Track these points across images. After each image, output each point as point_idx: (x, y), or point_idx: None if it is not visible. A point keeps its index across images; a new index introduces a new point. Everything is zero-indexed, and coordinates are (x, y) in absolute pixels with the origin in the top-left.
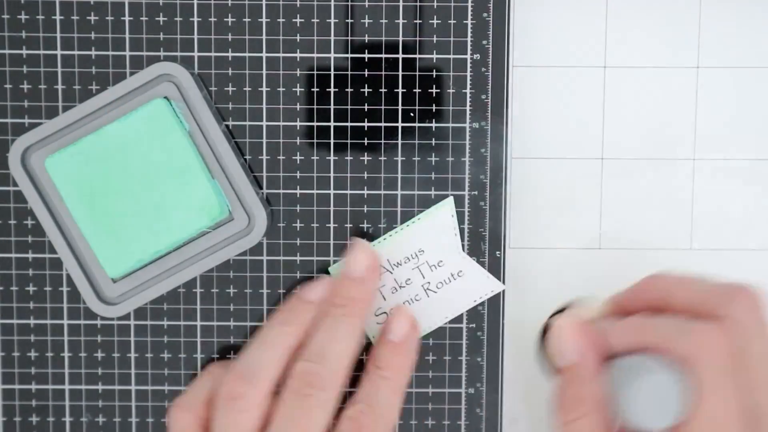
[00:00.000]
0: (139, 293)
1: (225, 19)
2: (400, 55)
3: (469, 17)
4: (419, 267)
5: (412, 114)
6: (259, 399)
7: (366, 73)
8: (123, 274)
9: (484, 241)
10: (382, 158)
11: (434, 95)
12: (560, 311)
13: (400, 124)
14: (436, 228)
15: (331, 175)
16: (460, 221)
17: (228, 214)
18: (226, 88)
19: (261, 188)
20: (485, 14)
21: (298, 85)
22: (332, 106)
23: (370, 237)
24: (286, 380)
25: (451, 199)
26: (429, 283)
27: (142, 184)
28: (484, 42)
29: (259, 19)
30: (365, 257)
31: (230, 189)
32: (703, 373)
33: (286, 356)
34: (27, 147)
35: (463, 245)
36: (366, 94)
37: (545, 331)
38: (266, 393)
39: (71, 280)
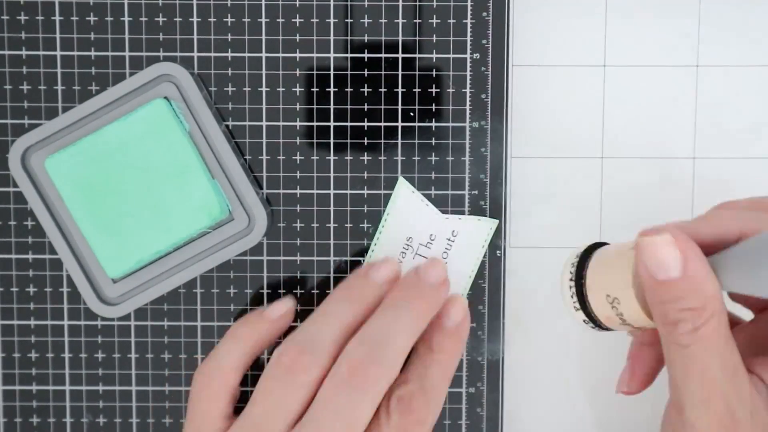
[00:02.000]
0: (139, 293)
1: (224, 20)
2: (400, 55)
3: (469, 16)
4: (418, 252)
5: (411, 113)
6: (320, 375)
7: (365, 72)
8: (123, 274)
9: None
10: (382, 158)
11: (434, 95)
12: (590, 251)
13: (399, 124)
14: (407, 211)
15: (331, 174)
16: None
17: (228, 214)
18: (225, 89)
19: (261, 188)
20: (485, 13)
21: (297, 85)
22: (332, 106)
23: (359, 248)
24: (337, 363)
25: (401, 179)
26: None
27: (142, 185)
28: (484, 41)
29: (259, 19)
30: (441, 270)
31: (230, 189)
32: None
33: (346, 335)
34: (27, 147)
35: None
36: (366, 94)
37: (579, 276)
38: (327, 369)
39: (71, 281)
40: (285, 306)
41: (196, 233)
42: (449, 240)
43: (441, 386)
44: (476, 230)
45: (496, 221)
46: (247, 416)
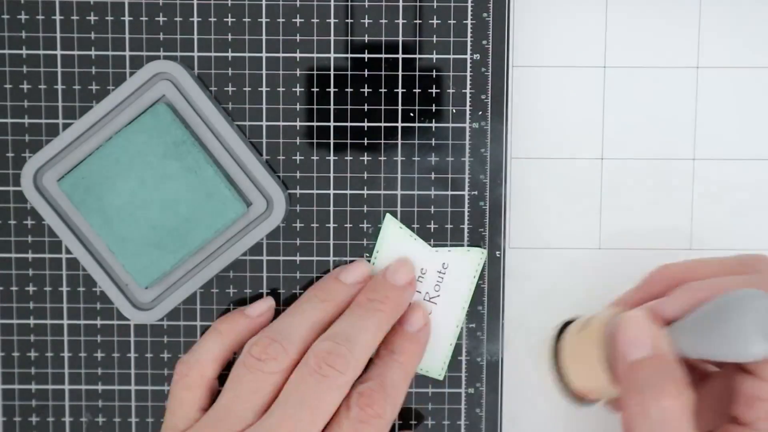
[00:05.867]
0: (170, 295)
1: (225, 19)
2: (400, 55)
3: (469, 17)
4: None
5: (411, 114)
6: (288, 364)
7: (366, 73)
8: (153, 281)
9: (484, 242)
10: (382, 158)
11: (434, 95)
12: (568, 323)
13: (399, 124)
14: (396, 246)
15: (331, 175)
16: (460, 221)
17: (246, 209)
18: (226, 89)
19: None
20: (485, 14)
21: (297, 85)
22: (332, 106)
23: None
24: (305, 356)
25: (388, 216)
26: (428, 293)
27: (156, 192)
28: (484, 42)
29: (259, 19)
30: (408, 271)
31: (245, 177)
32: None
33: (316, 331)
34: (38, 168)
35: (462, 246)
36: (366, 94)
37: (557, 349)
38: (295, 361)
39: (71, 281)
40: (265, 304)
41: (215, 234)
42: (440, 273)
43: (400, 386)
44: (466, 261)
45: (485, 251)
46: (218, 403)
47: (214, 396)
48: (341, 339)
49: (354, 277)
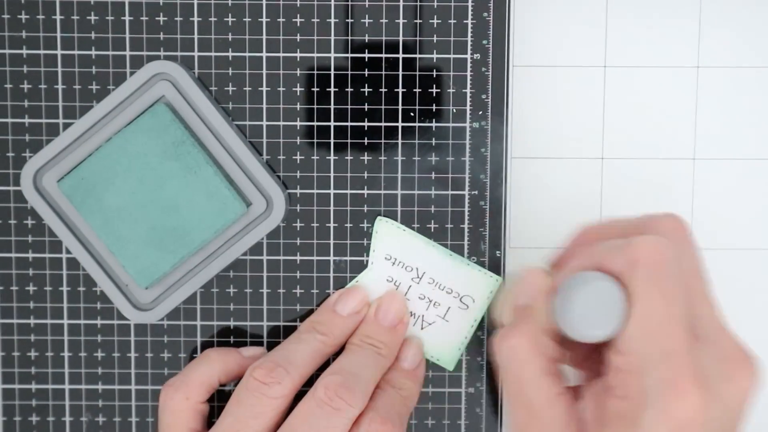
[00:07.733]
0: (170, 295)
1: (225, 19)
2: (400, 55)
3: (470, 17)
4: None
5: (412, 114)
6: (291, 390)
7: (366, 72)
8: (152, 282)
9: (484, 241)
10: (382, 158)
11: (434, 95)
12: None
13: (400, 124)
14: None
15: (331, 174)
16: (460, 221)
17: (245, 208)
18: (226, 88)
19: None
20: (485, 14)
21: (298, 84)
22: (332, 106)
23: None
24: (313, 388)
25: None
26: (440, 284)
27: (156, 193)
28: (485, 42)
29: (260, 19)
30: (399, 310)
31: (244, 177)
32: (633, 281)
33: (318, 360)
34: (37, 169)
35: (462, 245)
36: (366, 94)
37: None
38: (298, 387)
39: (71, 280)
40: (259, 350)
41: (215, 234)
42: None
43: (405, 417)
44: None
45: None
46: (219, 425)
47: (204, 420)
48: (348, 374)
49: (350, 307)
